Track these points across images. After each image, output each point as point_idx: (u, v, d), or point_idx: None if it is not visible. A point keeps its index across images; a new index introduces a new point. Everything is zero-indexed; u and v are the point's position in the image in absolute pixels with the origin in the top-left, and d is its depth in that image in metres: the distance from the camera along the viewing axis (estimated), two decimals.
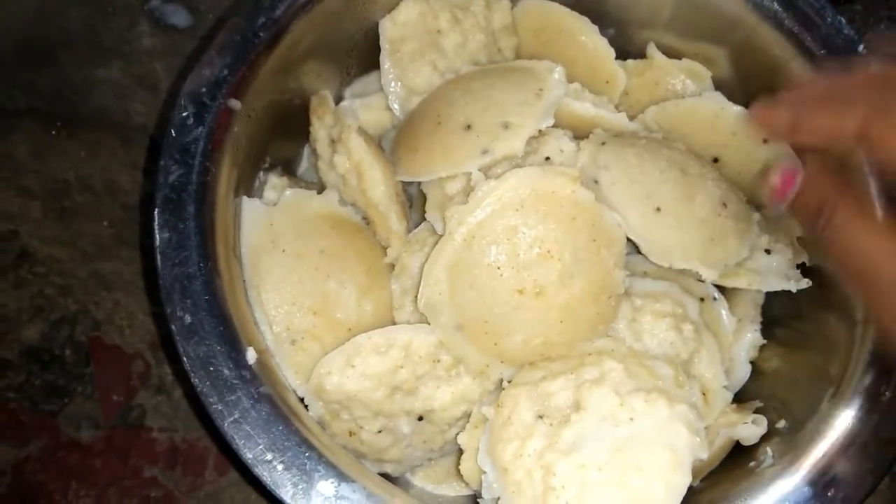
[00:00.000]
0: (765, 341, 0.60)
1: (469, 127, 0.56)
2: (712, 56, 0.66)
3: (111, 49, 0.82)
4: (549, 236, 0.51)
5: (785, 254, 0.59)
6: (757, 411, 0.56)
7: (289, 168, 0.65)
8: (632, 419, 0.48)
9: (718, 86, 0.66)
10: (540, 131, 0.56)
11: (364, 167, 0.57)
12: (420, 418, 0.54)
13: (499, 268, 0.51)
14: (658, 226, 0.54)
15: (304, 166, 0.67)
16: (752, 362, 0.61)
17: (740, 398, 0.59)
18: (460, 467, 0.54)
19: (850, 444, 0.49)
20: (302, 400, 0.53)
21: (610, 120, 0.61)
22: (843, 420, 0.50)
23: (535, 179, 0.51)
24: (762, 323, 0.61)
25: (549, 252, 0.51)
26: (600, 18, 0.66)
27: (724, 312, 0.59)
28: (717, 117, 0.61)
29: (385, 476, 0.56)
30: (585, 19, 0.66)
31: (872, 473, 0.47)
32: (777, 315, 0.61)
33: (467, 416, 0.55)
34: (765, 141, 0.61)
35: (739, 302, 0.61)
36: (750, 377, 0.61)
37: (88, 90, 0.81)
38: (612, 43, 0.66)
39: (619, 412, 0.48)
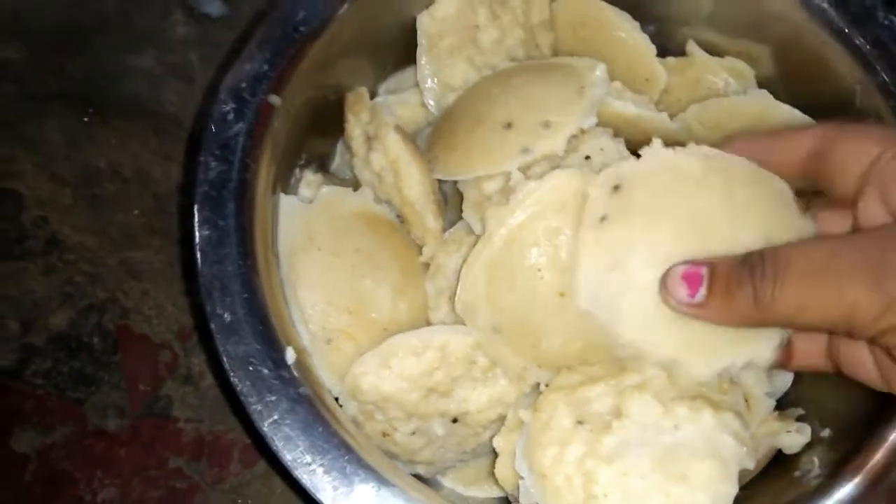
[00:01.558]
0: None
1: (509, 125, 0.55)
2: (755, 54, 0.65)
3: (145, 37, 0.82)
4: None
5: None
6: (799, 419, 0.55)
7: (322, 165, 0.65)
8: (676, 427, 0.47)
9: (762, 85, 0.65)
10: (581, 130, 0.55)
11: (401, 165, 0.56)
12: (454, 420, 0.53)
13: (539, 270, 0.50)
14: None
15: (336, 162, 0.67)
16: None
17: (781, 405, 0.58)
18: (495, 471, 0.53)
19: None
20: (336, 400, 0.52)
21: (651, 119, 0.59)
22: (893, 427, 0.48)
23: (577, 180, 0.50)
24: None
25: None
26: (640, 14, 0.65)
27: None
28: (764, 116, 0.60)
29: (417, 477, 0.56)
30: (626, 15, 0.65)
31: None
32: None
33: (502, 419, 0.54)
34: None
35: None
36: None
37: (121, 77, 0.81)
38: (651, 40, 0.65)
39: (663, 420, 0.47)
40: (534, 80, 0.58)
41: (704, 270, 0.42)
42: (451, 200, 0.62)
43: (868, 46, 0.56)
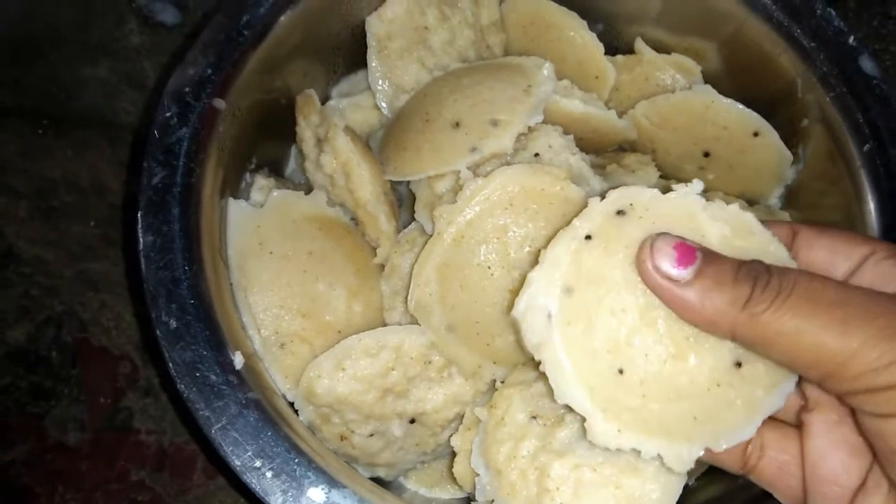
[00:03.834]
0: None
1: (457, 125, 0.55)
2: (701, 50, 0.66)
3: (99, 47, 0.81)
4: (540, 234, 0.50)
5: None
6: None
7: (276, 169, 0.65)
8: None
9: (708, 80, 0.66)
10: (529, 128, 0.56)
11: (351, 167, 0.56)
12: (412, 421, 0.53)
13: (489, 267, 0.51)
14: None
15: (291, 167, 0.67)
16: None
17: None
18: (453, 470, 0.53)
19: None
20: (292, 404, 0.52)
21: (599, 116, 0.60)
22: None
23: (524, 177, 0.50)
24: None
25: (539, 250, 0.50)
26: (589, 13, 0.66)
27: None
28: (708, 110, 0.61)
29: (378, 480, 0.56)
30: (574, 14, 0.65)
31: None
32: None
33: (460, 417, 0.54)
34: (755, 134, 0.60)
35: None
36: None
37: (76, 89, 0.80)
38: (600, 38, 0.65)
39: None
40: (482, 79, 0.58)
41: (699, 253, 0.37)
42: (405, 202, 0.62)
43: (807, 39, 0.57)
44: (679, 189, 0.40)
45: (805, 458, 0.39)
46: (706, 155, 0.63)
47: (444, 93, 0.58)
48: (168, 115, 0.50)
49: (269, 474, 0.44)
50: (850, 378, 0.34)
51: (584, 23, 0.65)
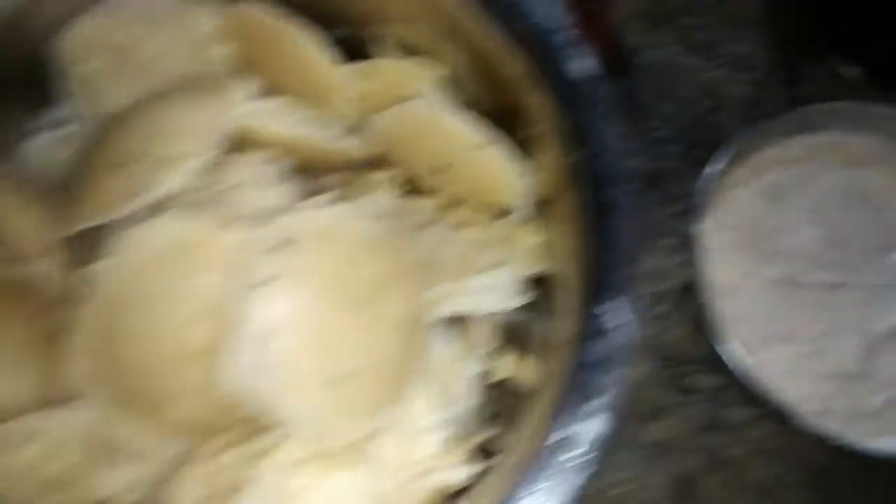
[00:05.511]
0: (489, 366, 0.55)
1: (127, 162, 0.48)
2: (445, 53, 0.60)
3: None
4: (200, 288, 0.44)
5: (504, 272, 0.53)
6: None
7: None
8: (305, 488, 0.42)
9: (454, 85, 0.60)
10: (224, 157, 0.49)
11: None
12: None
13: (154, 329, 0.44)
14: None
15: None
16: (500, 382, 0.55)
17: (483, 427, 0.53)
18: None
19: None
20: None
21: (316, 138, 0.54)
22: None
23: (180, 226, 0.44)
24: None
25: (203, 306, 0.44)
26: (324, 17, 0.59)
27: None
28: (440, 122, 0.55)
29: None
30: (303, 24, 0.58)
31: None
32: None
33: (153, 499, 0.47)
34: (485, 146, 0.55)
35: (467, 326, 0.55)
36: (499, 398, 0.55)
37: None
38: (339, 44, 0.59)
39: (288, 485, 0.42)
40: (168, 105, 0.51)
41: None
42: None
43: (517, 38, 0.51)
44: None
45: None
46: (446, 167, 0.57)
47: (129, 124, 0.51)
48: None
49: None
50: None
51: (316, 32, 0.58)
